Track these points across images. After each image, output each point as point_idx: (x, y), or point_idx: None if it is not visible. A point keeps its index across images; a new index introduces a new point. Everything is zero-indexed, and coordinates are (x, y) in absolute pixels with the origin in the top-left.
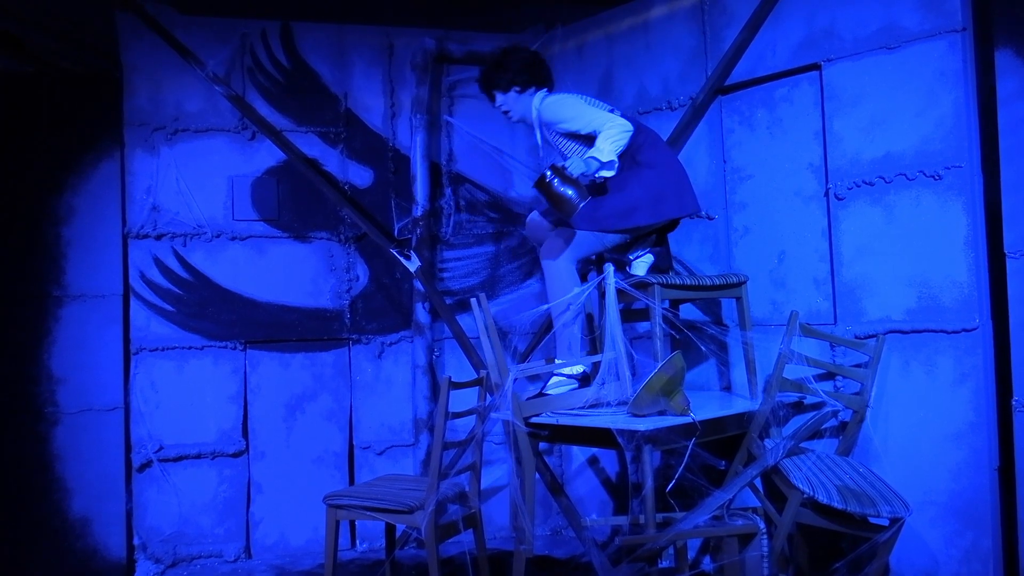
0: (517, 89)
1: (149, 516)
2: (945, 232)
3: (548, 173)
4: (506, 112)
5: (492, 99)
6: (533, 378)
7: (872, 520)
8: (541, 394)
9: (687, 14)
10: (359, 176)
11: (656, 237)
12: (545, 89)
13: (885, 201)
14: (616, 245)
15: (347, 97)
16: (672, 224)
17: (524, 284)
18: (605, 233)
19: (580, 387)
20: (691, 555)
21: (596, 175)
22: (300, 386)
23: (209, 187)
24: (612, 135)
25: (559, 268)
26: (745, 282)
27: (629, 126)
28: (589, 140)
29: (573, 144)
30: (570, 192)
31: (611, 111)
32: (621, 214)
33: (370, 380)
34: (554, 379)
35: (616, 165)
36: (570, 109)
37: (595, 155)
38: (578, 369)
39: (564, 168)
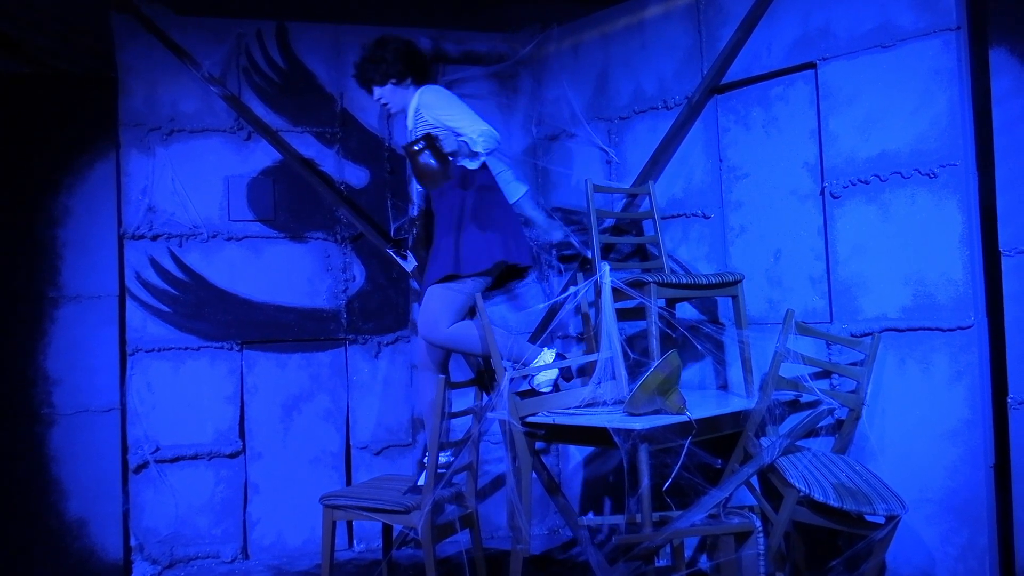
0: (394, 81)
1: (146, 517)
2: (940, 230)
3: (421, 142)
4: (385, 104)
5: (370, 92)
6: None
7: (868, 518)
8: (532, 391)
9: (682, 13)
10: (355, 176)
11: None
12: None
13: (880, 199)
14: (479, 291)
15: (343, 97)
16: (513, 273)
17: (520, 284)
18: (465, 282)
19: (561, 374)
20: (688, 553)
21: (460, 161)
22: (297, 386)
23: (205, 188)
24: (487, 135)
25: (450, 333)
26: (741, 281)
27: (499, 136)
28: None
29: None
30: (436, 165)
31: None
32: (477, 255)
33: (367, 380)
34: (540, 377)
35: (480, 161)
36: (456, 103)
37: (469, 142)
38: (548, 357)
39: (437, 139)
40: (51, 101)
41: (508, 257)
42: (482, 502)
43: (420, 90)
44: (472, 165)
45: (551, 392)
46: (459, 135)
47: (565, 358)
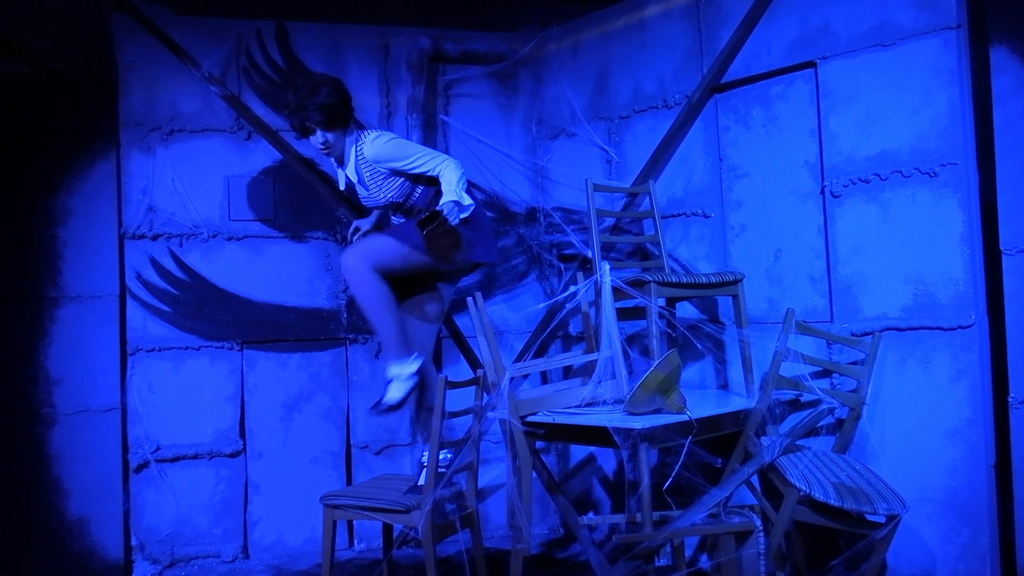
0: (341, 129)
1: (146, 517)
2: (941, 229)
3: (439, 224)
4: (326, 149)
5: (308, 133)
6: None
7: (869, 517)
8: (386, 405)
9: (682, 12)
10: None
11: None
12: (362, 129)
13: (881, 198)
14: (420, 268)
15: None
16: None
17: (520, 283)
18: (415, 255)
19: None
20: (688, 553)
21: (459, 217)
22: (297, 386)
23: (205, 187)
24: (456, 177)
25: (364, 278)
26: (741, 280)
27: (461, 165)
28: (412, 177)
29: (395, 182)
30: (453, 239)
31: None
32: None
33: (367, 379)
34: (390, 384)
35: (471, 208)
36: (407, 147)
37: (457, 200)
38: (398, 370)
39: (442, 213)
40: (51, 101)
41: (475, 257)
42: (482, 502)
43: (365, 141)
44: (467, 214)
45: (398, 403)
46: (425, 173)
47: (416, 376)
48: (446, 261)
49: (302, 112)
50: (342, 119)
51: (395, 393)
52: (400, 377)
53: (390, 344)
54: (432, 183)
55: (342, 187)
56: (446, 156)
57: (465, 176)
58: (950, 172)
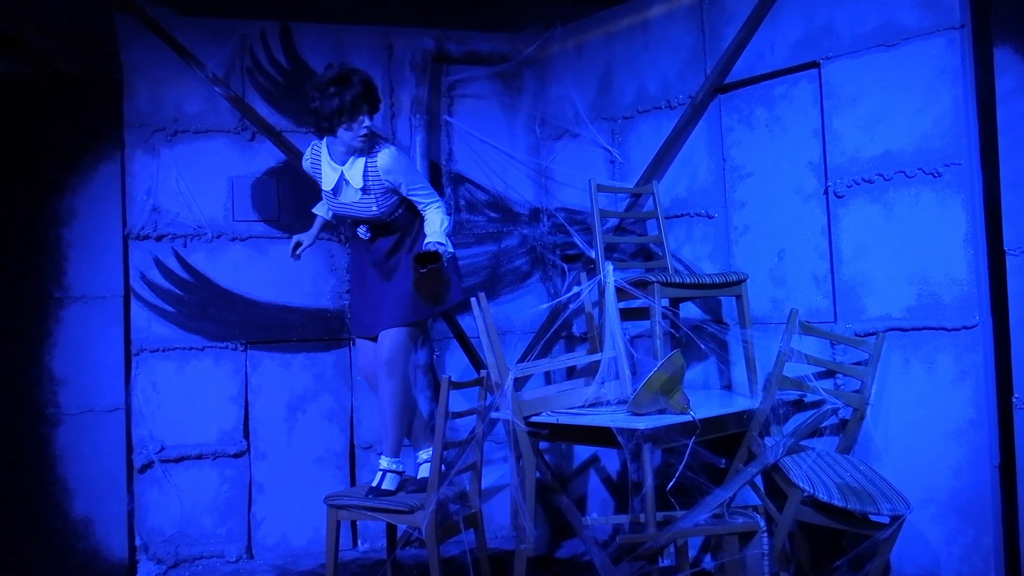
0: (372, 118)
1: (151, 517)
2: (945, 229)
3: (439, 264)
4: (367, 136)
5: (356, 115)
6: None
7: (873, 518)
8: (380, 489)
9: (686, 13)
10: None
11: None
12: (377, 137)
13: (884, 199)
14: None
15: None
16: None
17: (524, 284)
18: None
19: (401, 479)
20: (692, 553)
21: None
22: (301, 386)
23: (209, 188)
24: (442, 218)
25: (398, 381)
26: (745, 280)
27: (448, 212)
28: (401, 198)
29: (391, 199)
30: (446, 279)
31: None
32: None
33: None
34: (386, 475)
35: (451, 252)
36: (415, 173)
37: (445, 243)
38: (385, 464)
39: (441, 254)
40: (56, 102)
41: (451, 301)
42: (486, 502)
43: (383, 150)
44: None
45: (388, 487)
46: (416, 201)
47: (401, 474)
48: (433, 302)
49: (352, 91)
50: (376, 108)
51: (390, 484)
52: (391, 468)
53: (395, 442)
54: (413, 208)
55: (329, 186)
56: (439, 198)
57: (448, 218)
58: (954, 172)
